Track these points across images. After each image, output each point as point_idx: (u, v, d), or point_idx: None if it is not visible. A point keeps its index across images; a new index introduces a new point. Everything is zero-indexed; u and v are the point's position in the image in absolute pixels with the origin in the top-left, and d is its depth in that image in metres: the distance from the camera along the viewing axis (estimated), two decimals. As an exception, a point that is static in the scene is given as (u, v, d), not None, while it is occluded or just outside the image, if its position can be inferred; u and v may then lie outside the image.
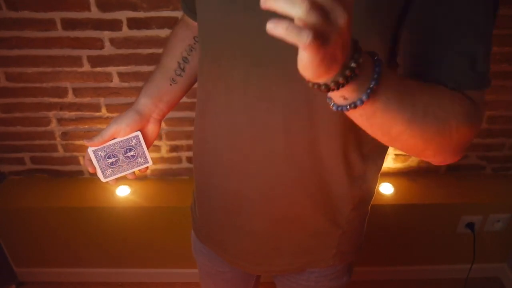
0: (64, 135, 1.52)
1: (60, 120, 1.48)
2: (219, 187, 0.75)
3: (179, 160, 1.59)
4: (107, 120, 1.48)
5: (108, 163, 0.71)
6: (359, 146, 0.66)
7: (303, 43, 0.35)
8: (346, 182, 0.69)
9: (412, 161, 1.60)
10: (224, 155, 0.70)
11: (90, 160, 0.72)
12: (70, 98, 1.43)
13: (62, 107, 1.45)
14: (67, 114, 1.47)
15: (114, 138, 0.72)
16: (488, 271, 1.75)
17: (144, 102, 0.74)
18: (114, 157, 0.71)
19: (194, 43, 0.79)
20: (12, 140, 1.53)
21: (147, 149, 0.75)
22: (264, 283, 1.11)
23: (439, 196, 1.54)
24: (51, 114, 1.47)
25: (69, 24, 1.29)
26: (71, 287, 1.73)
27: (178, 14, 1.28)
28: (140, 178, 1.62)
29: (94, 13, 1.26)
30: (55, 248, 1.64)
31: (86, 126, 1.49)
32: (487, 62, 0.52)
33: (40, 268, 1.71)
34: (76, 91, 1.42)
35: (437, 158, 0.54)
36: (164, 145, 1.54)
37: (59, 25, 1.29)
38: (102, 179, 0.72)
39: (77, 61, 1.36)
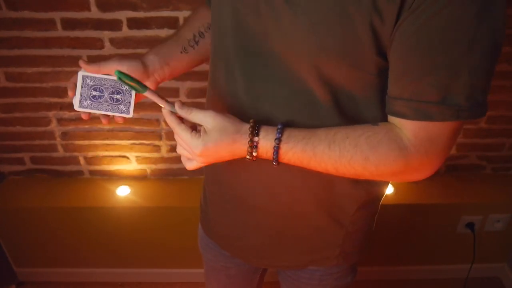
0: (64, 135, 1.52)
1: (60, 120, 1.48)
2: (226, 183, 0.77)
3: (179, 160, 1.58)
4: (107, 120, 1.48)
5: (91, 94, 0.68)
6: None
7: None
8: (349, 183, 0.69)
9: (412, 161, 1.60)
10: None
11: (75, 84, 0.69)
12: (70, 98, 1.43)
13: (62, 107, 1.45)
14: (67, 114, 1.47)
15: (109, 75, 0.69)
16: (488, 271, 1.75)
17: (153, 58, 0.73)
18: (99, 91, 0.68)
19: None
20: (12, 140, 1.53)
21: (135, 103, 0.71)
22: (268, 282, 1.11)
23: (439, 196, 1.54)
24: (51, 114, 1.47)
25: (69, 24, 1.29)
26: (71, 287, 1.73)
27: (178, 14, 1.28)
28: (140, 178, 1.62)
29: (94, 13, 1.26)
30: (55, 248, 1.64)
31: (86, 126, 1.49)
32: (463, 95, 0.50)
33: (40, 268, 1.71)
34: (76, 91, 1.42)
35: (394, 180, 0.63)
36: (164, 145, 1.54)
37: (59, 25, 1.29)
38: (76, 107, 0.69)
39: (77, 61, 1.34)
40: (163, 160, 1.58)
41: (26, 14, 1.26)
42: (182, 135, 0.61)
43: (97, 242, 1.61)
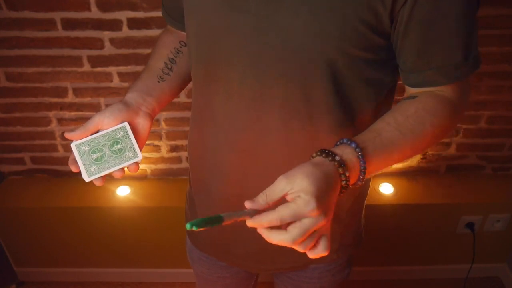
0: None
1: (60, 120, 1.48)
2: (218, 191, 0.75)
3: (179, 160, 1.59)
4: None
5: (92, 158, 0.63)
6: None
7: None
8: None
9: (412, 161, 1.60)
10: (224, 157, 0.70)
11: (75, 159, 0.64)
12: (70, 98, 1.43)
13: (62, 107, 1.45)
14: (67, 114, 1.47)
15: (99, 131, 0.66)
16: (488, 271, 1.76)
17: (131, 96, 0.71)
18: (99, 151, 0.64)
19: (180, 47, 0.78)
20: (12, 140, 1.53)
21: (138, 144, 0.67)
22: (262, 283, 1.11)
23: (439, 196, 1.54)
24: (51, 114, 1.47)
25: (69, 24, 1.29)
26: (71, 287, 1.73)
27: (178, 14, 1.28)
28: (140, 178, 1.62)
29: (94, 13, 1.26)
30: (55, 248, 1.64)
31: (86, 126, 1.49)
32: (476, 47, 0.58)
33: (40, 268, 1.71)
34: (76, 91, 1.42)
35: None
36: (164, 145, 1.54)
37: (59, 25, 1.29)
38: (86, 179, 0.63)
39: (77, 61, 1.35)
40: (163, 160, 1.58)
41: (26, 14, 1.26)
42: (283, 214, 0.51)
43: (97, 242, 1.61)
